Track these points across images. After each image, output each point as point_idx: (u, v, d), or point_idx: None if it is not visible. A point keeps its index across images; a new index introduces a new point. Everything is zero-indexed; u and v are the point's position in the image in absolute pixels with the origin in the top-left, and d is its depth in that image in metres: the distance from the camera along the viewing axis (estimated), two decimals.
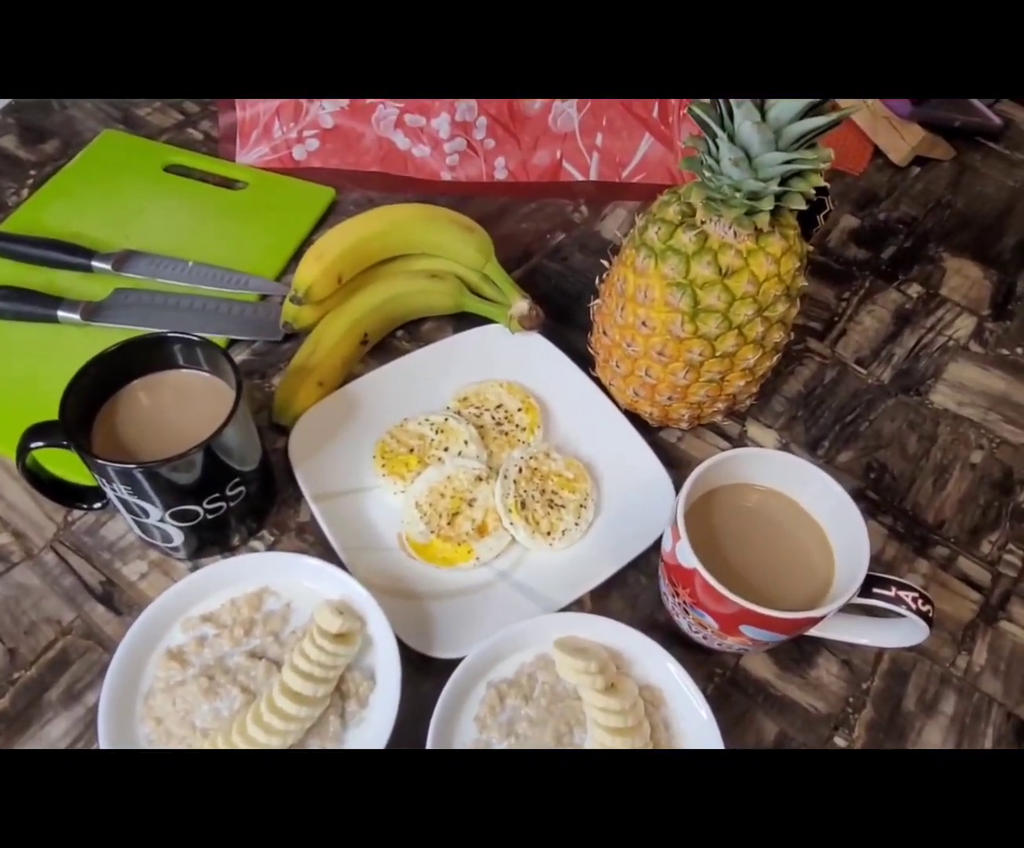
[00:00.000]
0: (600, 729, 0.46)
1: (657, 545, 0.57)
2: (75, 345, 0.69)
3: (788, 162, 0.49)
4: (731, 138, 0.49)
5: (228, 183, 0.86)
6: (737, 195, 0.51)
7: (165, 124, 0.93)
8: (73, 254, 0.74)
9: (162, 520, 0.53)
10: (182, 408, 0.55)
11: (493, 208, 0.86)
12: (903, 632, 0.49)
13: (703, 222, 0.55)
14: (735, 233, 0.54)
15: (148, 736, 0.47)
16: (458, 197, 0.87)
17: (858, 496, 0.64)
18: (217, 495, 0.53)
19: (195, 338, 0.54)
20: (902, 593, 0.46)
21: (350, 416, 0.65)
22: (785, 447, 0.67)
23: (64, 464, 0.55)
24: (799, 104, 0.46)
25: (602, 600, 0.58)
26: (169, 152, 0.88)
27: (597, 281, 0.64)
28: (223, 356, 0.54)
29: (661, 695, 0.49)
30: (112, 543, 0.59)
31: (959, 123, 0.92)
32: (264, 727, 0.45)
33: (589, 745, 0.47)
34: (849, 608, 0.56)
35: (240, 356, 0.71)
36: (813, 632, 0.52)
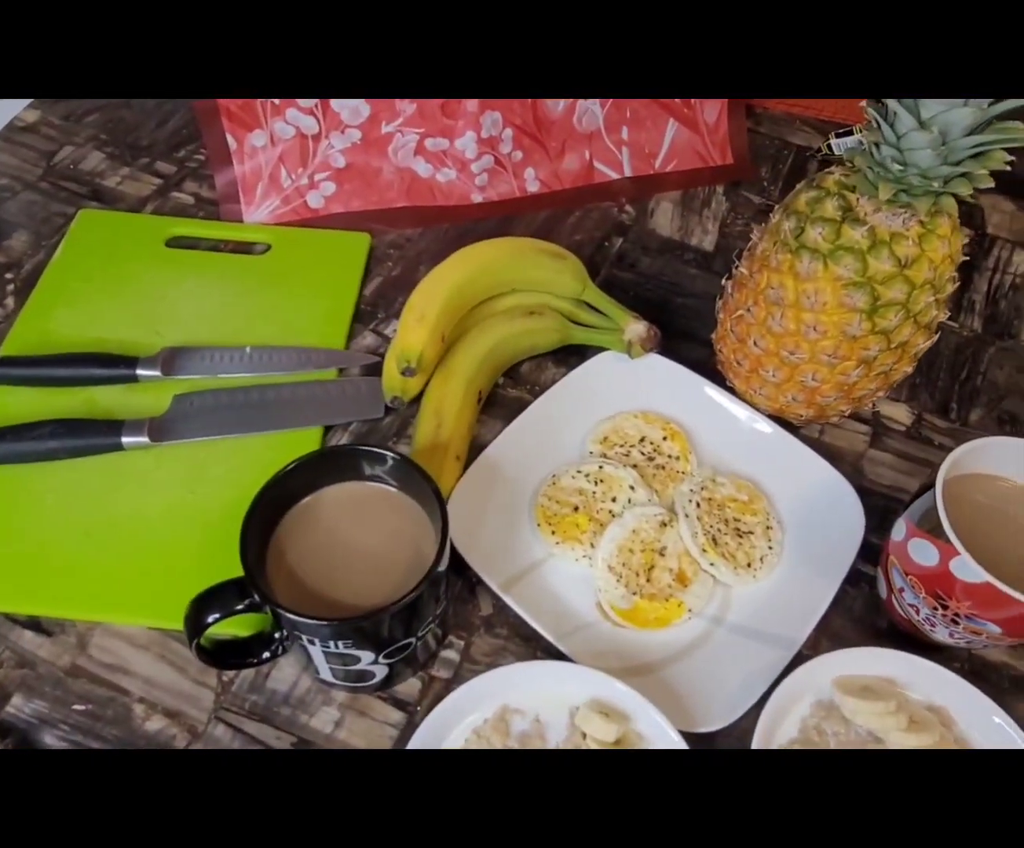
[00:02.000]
0: None
1: (861, 551, 0.55)
2: (148, 472, 0.60)
3: (981, 143, 0.47)
4: (921, 124, 0.47)
5: (246, 248, 0.76)
6: (931, 184, 0.49)
7: (143, 192, 0.81)
8: (112, 366, 0.63)
9: (373, 662, 0.46)
10: (359, 523, 0.48)
11: (537, 224, 0.81)
12: None
13: (866, 214, 0.52)
14: (903, 221, 0.52)
15: None
16: (497, 219, 0.81)
17: None
18: (431, 620, 0.47)
19: (391, 456, 0.48)
20: None
21: (496, 486, 0.59)
22: (920, 418, 0.67)
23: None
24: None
25: (824, 623, 0.55)
26: (165, 224, 0.77)
27: (720, 293, 0.61)
28: (419, 474, 0.47)
29: (948, 713, 0.48)
30: (287, 695, 0.51)
31: None
32: None
33: None
34: None
35: (340, 440, 0.63)
36: None
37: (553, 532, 0.57)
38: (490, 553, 0.55)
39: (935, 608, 0.49)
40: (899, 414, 0.67)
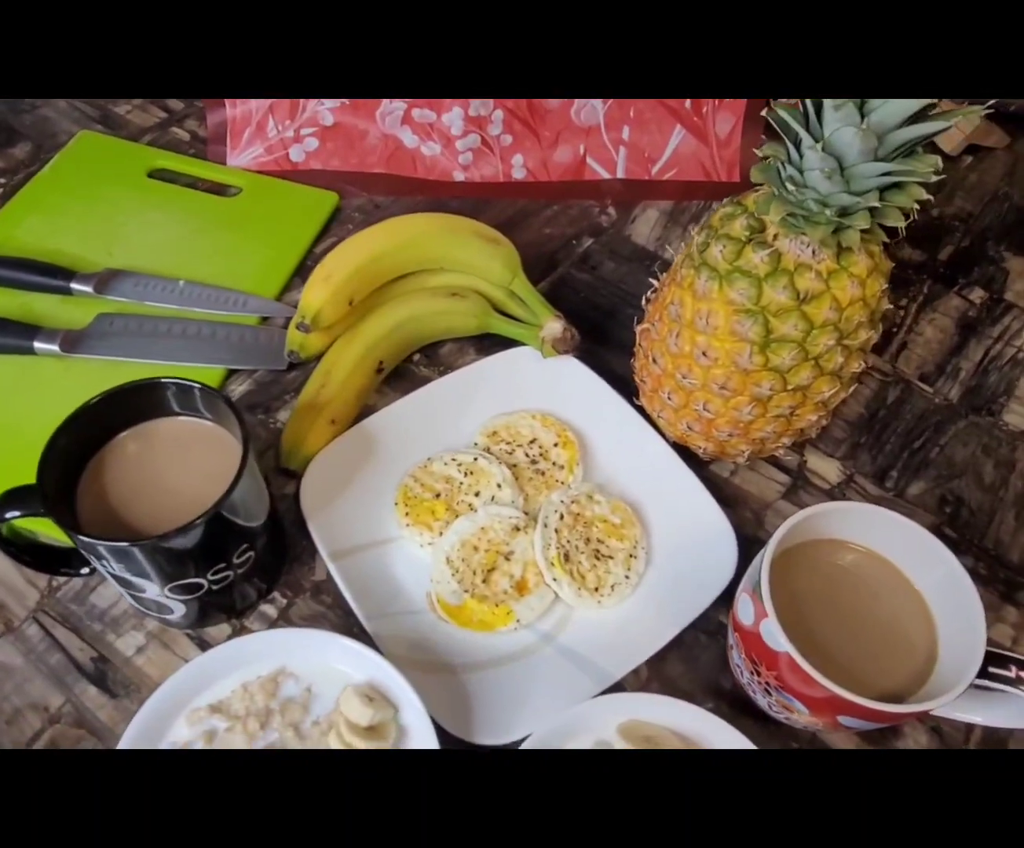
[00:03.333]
0: None
1: (718, 600, 0.51)
2: (55, 380, 0.62)
3: (887, 173, 0.42)
4: (821, 145, 0.42)
5: (219, 189, 0.78)
6: (826, 211, 0.44)
7: (147, 123, 0.85)
8: (51, 275, 0.67)
9: (161, 594, 0.46)
10: (179, 463, 0.48)
11: (512, 212, 0.79)
12: (1020, 711, 0.43)
13: (775, 238, 0.48)
14: (814, 251, 0.47)
15: None
16: (473, 200, 0.80)
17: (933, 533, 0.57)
18: (223, 565, 0.46)
19: (193, 383, 0.47)
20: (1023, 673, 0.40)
21: (367, 457, 0.58)
22: (850, 479, 0.61)
23: (47, 524, 0.48)
24: (908, 106, 0.39)
25: (660, 664, 0.51)
26: (153, 155, 0.80)
27: (644, 300, 0.57)
28: (226, 404, 0.47)
29: None
30: (104, 611, 0.52)
31: (1014, 107, 0.85)
32: None
33: None
34: None
35: (241, 388, 0.64)
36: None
37: (407, 513, 0.55)
38: (333, 521, 0.54)
39: (752, 672, 0.44)
40: (828, 470, 0.61)
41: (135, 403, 0.48)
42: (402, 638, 0.50)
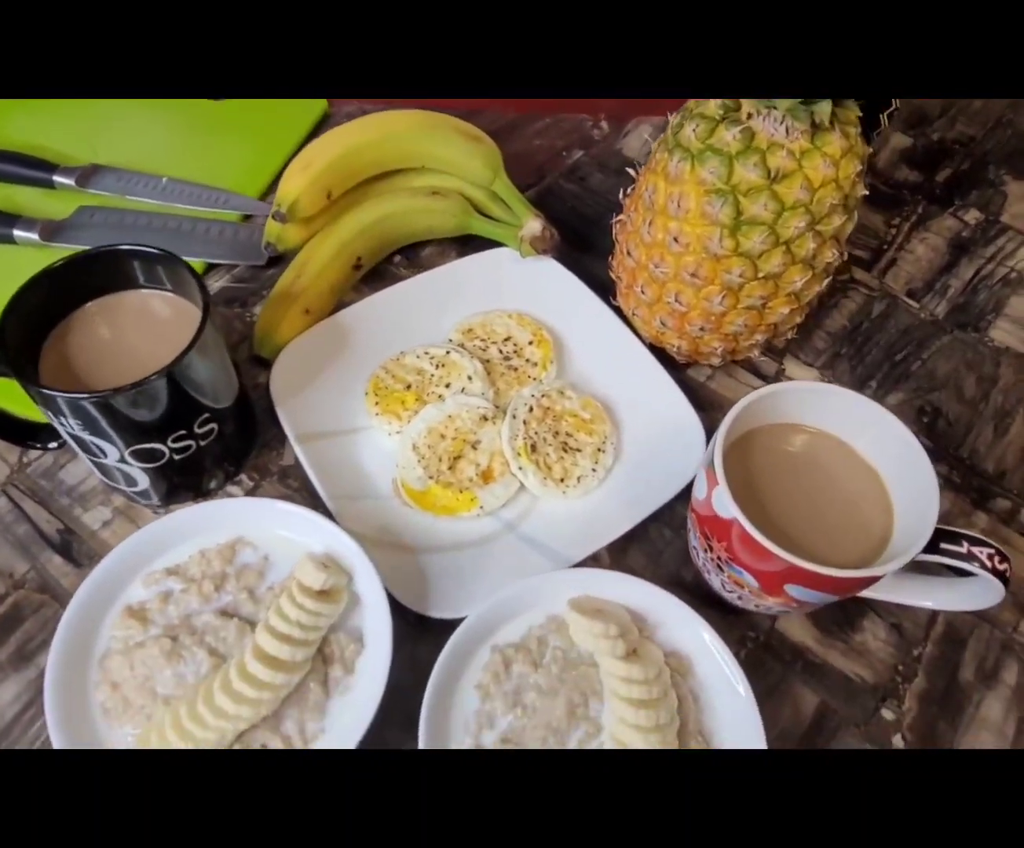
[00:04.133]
0: (620, 701, 0.40)
1: (684, 495, 0.50)
2: (33, 267, 0.60)
3: None
4: None
5: None
6: None
7: None
8: (34, 168, 0.67)
9: (122, 460, 0.46)
10: (143, 333, 0.48)
11: (503, 123, 0.78)
12: (971, 593, 0.42)
13: (749, 116, 0.47)
14: (787, 129, 0.46)
15: (103, 703, 0.41)
16: (464, 111, 0.78)
17: None
18: (184, 432, 0.47)
19: (156, 251, 0.47)
20: (975, 549, 0.39)
21: (340, 348, 0.58)
22: None
23: (15, 398, 0.49)
24: None
25: (622, 556, 0.51)
26: None
27: (621, 195, 0.57)
28: (188, 272, 0.47)
29: (689, 663, 0.43)
30: (72, 487, 0.53)
31: None
32: (233, 696, 0.39)
33: (607, 717, 0.41)
34: (909, 566, 0.50)
35: (219, 282, 0.64)
36: (864, 592, 0.45)
37: (376, 403, 0.55)
38: (302, 407, 0.54)
39: (706, 549, 0.44)
40: (806, 378, 0.60)
41: (100, 273, 0.48)
42: (365, 519, 0.50)
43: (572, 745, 0.40)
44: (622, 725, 0.39)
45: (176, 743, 0.38)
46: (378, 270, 0.65)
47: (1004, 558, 0.39)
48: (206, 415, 0.47)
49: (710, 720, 0.42)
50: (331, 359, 0.57)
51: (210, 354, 0.46)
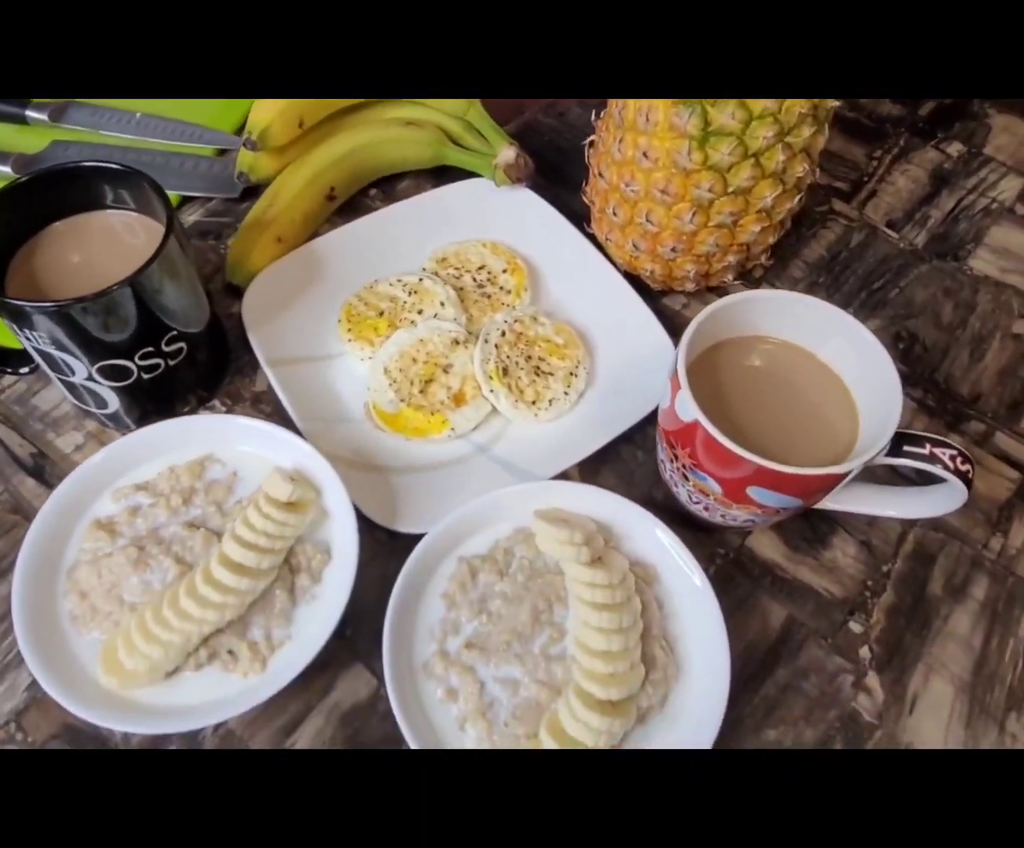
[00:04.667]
0: (584, 605, 0.40)
1: (655, 417, 0.50)
2: None
3: None
4: None
5: None
6: None
7: None
8: (6, 103, 0.66)
9: (90, 379, 0.46)
10: (109, 253, 0.48)
11: None
12: (936, 499, 0.42)
13: None
14: None
15: (71, 611, 0.41)
16: None
17: None
18: (151, 350, 0.47)
19: (120, 167, 0.47)
20: (938, 451, 0.39)
21: (313, 276, 0.58)
22: None
23: None
24: None
25: (593, 476, 0.51)
26: None
27: (593, 117, 0.56)
28: (152, 189, 0.46)
29: (655, 572, 0.43)
30: (45, 413, 0.53)
31: None
32: (198, 600, 0.39)
33: (571, 622, 0.41)
34: (874, 476, 0.50)
35: (193, 216, 0.64)
36: (830, 506, 0.45)
37: (349, 330, 0.55)
38: (275, 333, 0.54)
39: (671, 459, 0.44)
40: None
41: (65, 192, 0.48)
42: (336, 441, 0.50)
43: (536, 650, 0.41)
44: (586, 628, 0.40)
45: (142, 646, 0.38)
46: (353, 203, 0.65)
47: (967, 459, 0.39)
48: (173, 333, 0.47)
49: (674, 627, 0.42)
50: (304, 287, 0.57)
51: (176, 270, 0.46)
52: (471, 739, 0.39)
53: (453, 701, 0.39)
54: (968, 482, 0.39)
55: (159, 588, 0.41)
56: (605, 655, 0.39)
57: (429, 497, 0.49)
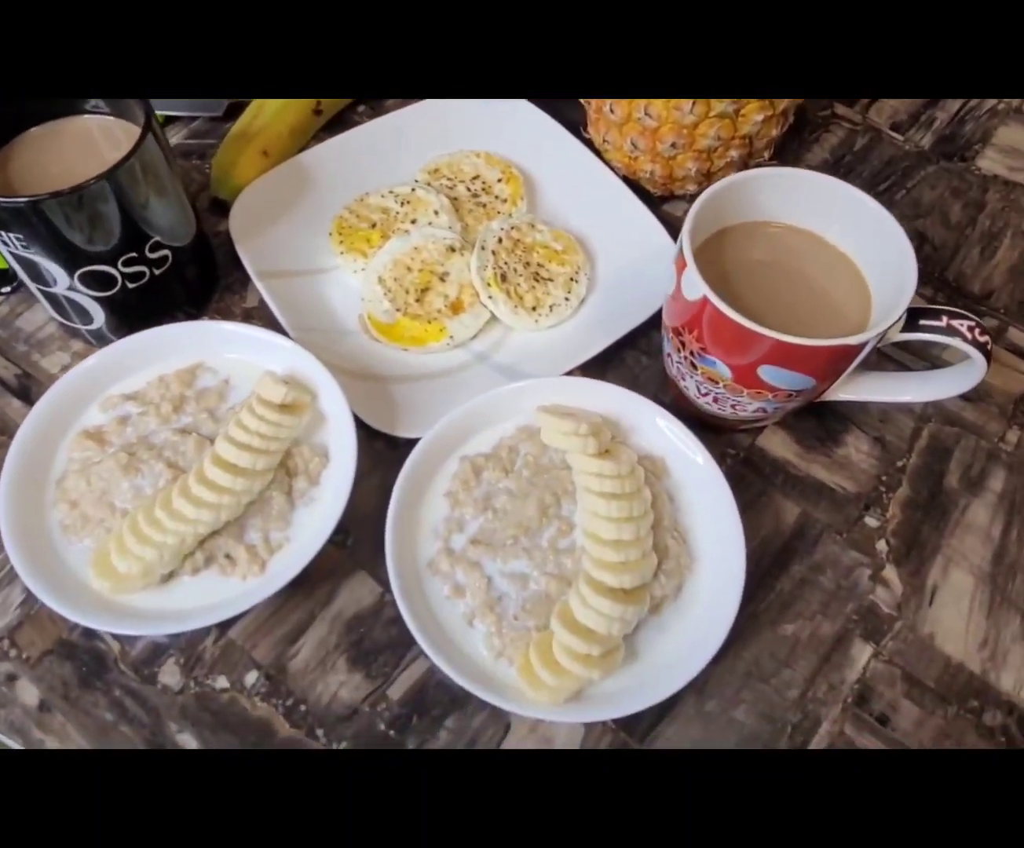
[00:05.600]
0: (592, 495, 0.39)
1: (659, 320, 0.49)
2: None
3: None
4: None
5: None
6: None
7: None
8: None
9: (72, 289, 0.44)
10: (87, 158, 0.45)
11: None
12: (951, 379, 0.41)
13: None
14: None
15: (61, 521, 0.40)
16: None
17: None
18: (135, 256, 0.45)
19: None
20: (955, 322, 0.38)
21: (302, 190, 0.56)
22: None
23: None
24: None
25: (597, 378, 0.50)
26: None
27: None
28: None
29: (664, 465, 0.42)
30: (30, 334, 0.51)
31: None
32: (193, 500, 0.38)
33: (580, 516, 0.40)
34: (888, 365, 0.49)
35: (176, 137, 0.61)
36: (843, 396, 0.44)
37: (341, 242, 0.53)
38: (265, 247, 0.52)
39: (678, 350, 0.42)
40: None
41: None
42: (332, 352, 0.48)
43: (544, 543, 0.39)
44: (595, 519, 0.38)
45: (134, 547, 0.37)
46: (341, 119, 0.62)
47: (984, 331, 0.38)
48: (157, 238, 0.45)
49: (686, 518, 0.41)
50: (293, 201, 0.55)
51: (156, 171, 0.44)
52: (480, 634, 0.37)
53: (460, 597, 0.38)
54: (987, 354, 0.38)
55: (151, 493, 0.40)
56: (616, 544, 0.37)
57: (429, 404, 0.47)
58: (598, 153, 0.57)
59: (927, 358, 0.50)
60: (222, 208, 0.55)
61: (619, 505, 0.38)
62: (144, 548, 0.37)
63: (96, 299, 0.46)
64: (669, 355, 0.44)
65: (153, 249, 0.45)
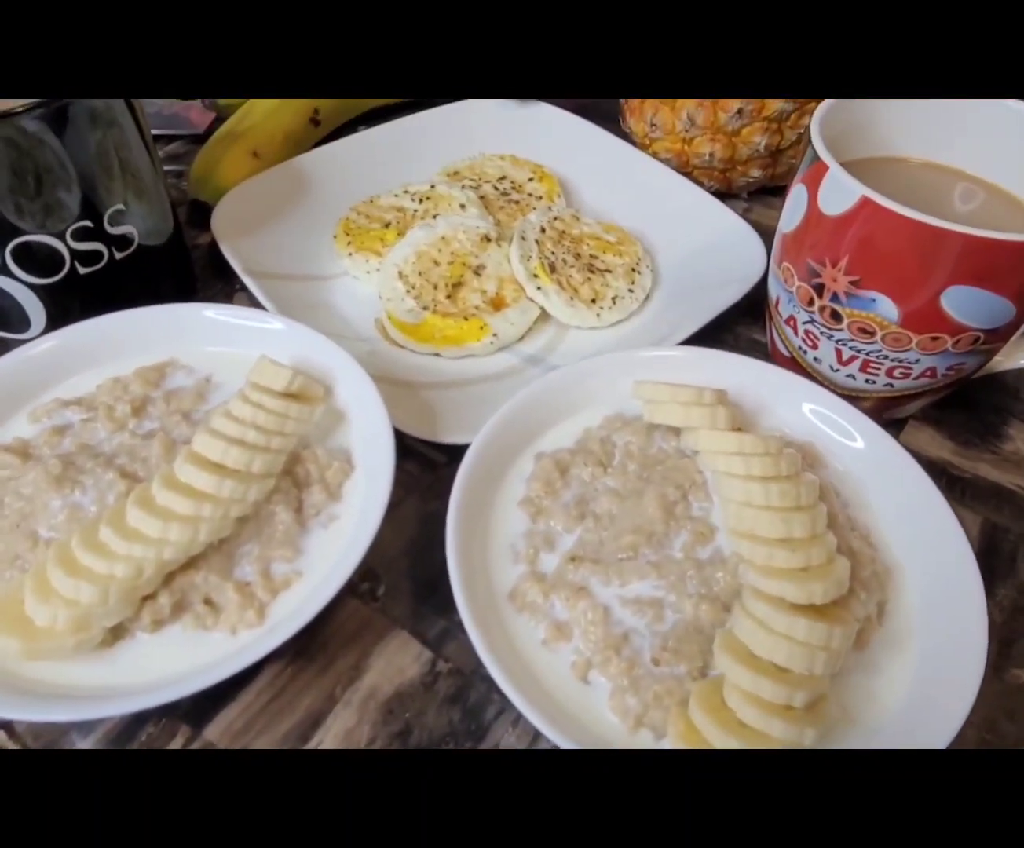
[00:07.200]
0: (737, 481, 0.27)
1: (745, 313, 0.39)
2: None
3: None
4: None
5: None
6: None
7: None
8: None
9: (4, 270, 0.33)
10: None
11: None
12: None
13: None
14: None
15: None
16: None
17: None
18: (90, 226, 0.34)
19: None
20: None
21: (299, 193, 0.46)
22: None
23: None
24: None
25: None
26: None
27: None
28: None
29: (813, 450, 0.31)
30: None
31: None
32: (157, 512, 0.25)
33: (721, 513, 0.28)
34: None
35: None
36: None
37: (349, 243, 0.44)
38: (259, 248, 0.42)
39: (810, 302, 0.32)
40: None
41: None
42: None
43: (677, 554, 0.27)
44: (749, 510, 0.27)
45: (62, 583, 0.24)
46: (340, 135, 0.54)
47: None
48: (119, 207, 0.35)
49: (862, 516, 0.29)
50: (289, 204, 0.46)
51: (114, 121, 0.34)
52: (601, 693, 0.25)
53: (564, 640, 0.26)
54: None
55: (95, 511, 0.27)
56: (786, 543, 0.26)
57: (475, 408, 0.35)
58: (638, 147, 0.50)
59: None
60: (202, 217, 0.45)
61: (781, 489, 0.26)
62: (78, 585, 0.24)
63: (35, 288, 0.34)
64: (791, 319, 0.34)
65: (114, 222, 0.35)
